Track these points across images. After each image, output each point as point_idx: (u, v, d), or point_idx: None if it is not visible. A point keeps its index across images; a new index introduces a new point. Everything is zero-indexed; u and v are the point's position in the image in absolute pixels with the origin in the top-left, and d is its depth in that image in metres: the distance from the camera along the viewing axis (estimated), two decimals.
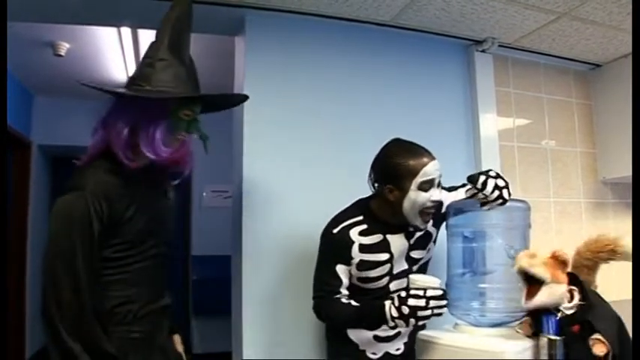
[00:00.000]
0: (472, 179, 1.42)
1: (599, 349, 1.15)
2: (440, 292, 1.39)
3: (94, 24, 2.55)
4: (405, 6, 1.96)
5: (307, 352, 1.83)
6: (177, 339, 1.55)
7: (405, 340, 1.62)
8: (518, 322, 1.39)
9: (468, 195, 1.45)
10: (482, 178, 1.41)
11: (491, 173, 1.43)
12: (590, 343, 1.16)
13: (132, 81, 1.35)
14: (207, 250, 4.58)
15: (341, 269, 1.54)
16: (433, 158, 1.50)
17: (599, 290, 1.37)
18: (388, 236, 1.56)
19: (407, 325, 1.41)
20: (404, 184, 1.47)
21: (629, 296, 1.28)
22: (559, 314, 1.24)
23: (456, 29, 2.19)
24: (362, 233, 1.54)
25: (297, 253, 1.84)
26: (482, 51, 2.31)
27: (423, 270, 1.63)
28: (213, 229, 4.46)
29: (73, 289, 1.17)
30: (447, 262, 1.57)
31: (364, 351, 1.60)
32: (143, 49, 3.23)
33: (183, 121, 1.33)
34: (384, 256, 1.54)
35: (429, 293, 1.38)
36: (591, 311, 1.22)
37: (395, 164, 1.49)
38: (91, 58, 3.39)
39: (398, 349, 1.61)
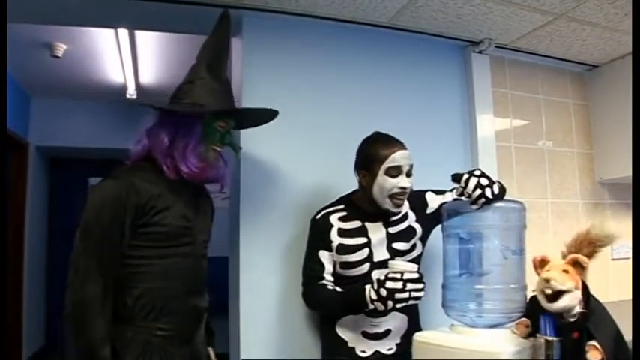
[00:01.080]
0: (456, 177, 1.48)
1: (594, 356, 1.15)
2: (416, 275, 1.45)
3: (92, 25, 2.55)
4: (402, 7, 1.97)
5: (306, 351, 1.83)
6: (211, 352, 1.56)
7: (398, 340, 1.63)
8: (514, 323, 1.39)
9: (456, 193, 1.49)
10: (465, 176, 1.46)
11: (476, 172, 1.47)
12: (586, 349, 1.16)
13: (173, 97, 1.47)
14: None
15: (324, 255, 1.64)
16: (404, 148, 1.59)
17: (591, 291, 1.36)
18: (367, 224, 1.65)
19: (385, 307, 1.45)
20: (374, 169, 1.58)
21: (628, 297, 1.28)
22: (559, 317, 1.24)
23: (453, 30, 2.20)
24: (341, 219, 1.66)
25: (295, 254, 1.83)
26: (479, 52, 2.32)
27: None
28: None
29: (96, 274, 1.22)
30: (443, 263, 1.58)
31: (354, 348, 1.62)
32: (140, 51, 3.26)
33: (218, 133, 1.43)
34: (362, 240, 1.62)
35: (406, 276, 1.43)
36: (590, 318, 1.21)
37: (368, 152, 1.62)
38: (88, 59, 3.39)
39: (390, 349, 1.62)
